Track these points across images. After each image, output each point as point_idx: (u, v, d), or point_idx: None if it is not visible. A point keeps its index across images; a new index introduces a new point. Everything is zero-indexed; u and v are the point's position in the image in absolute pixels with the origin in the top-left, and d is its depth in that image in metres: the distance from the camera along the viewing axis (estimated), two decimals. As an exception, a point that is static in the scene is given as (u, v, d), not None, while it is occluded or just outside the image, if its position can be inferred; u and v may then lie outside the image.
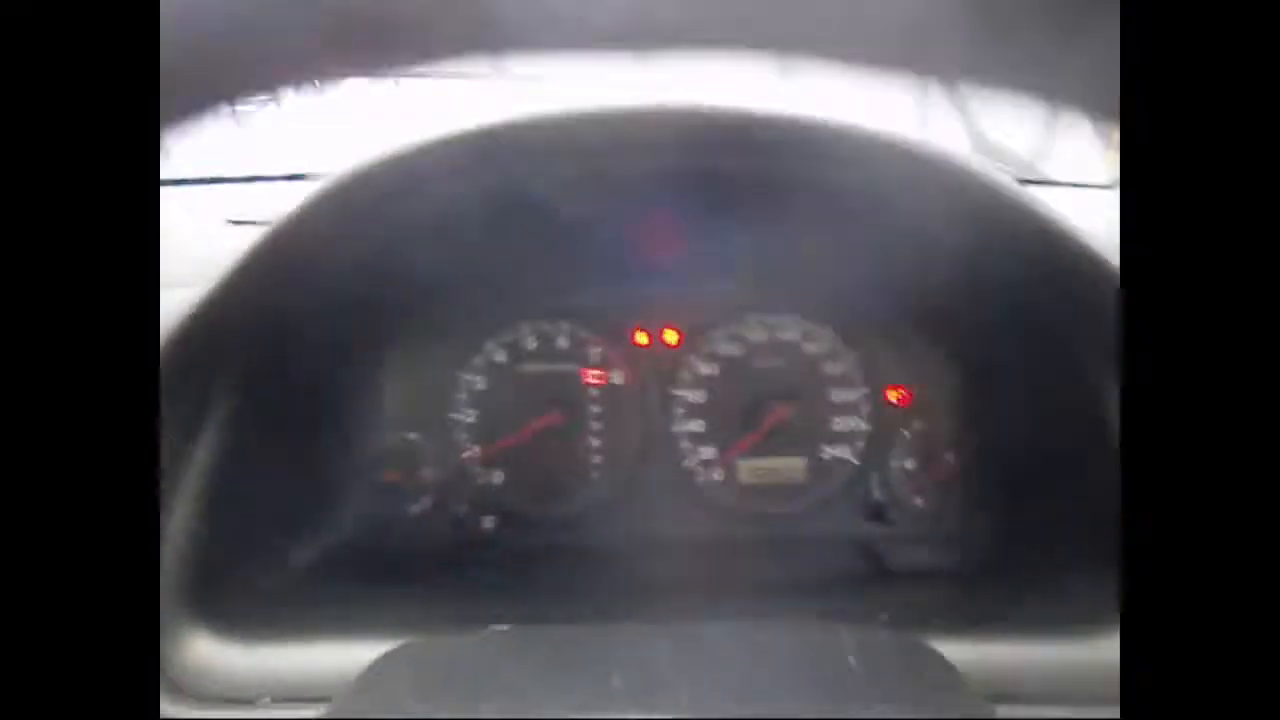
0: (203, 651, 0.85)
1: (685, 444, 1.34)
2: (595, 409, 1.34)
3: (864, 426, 1.32)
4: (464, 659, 0.72)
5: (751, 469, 1.33)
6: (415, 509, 1.33)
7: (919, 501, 1.31)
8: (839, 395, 1.32)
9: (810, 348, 1.33)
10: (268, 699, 0.85)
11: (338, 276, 0.94)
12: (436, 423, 1.33)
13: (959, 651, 0.76)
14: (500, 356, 1.34)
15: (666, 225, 1.20)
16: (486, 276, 1.24)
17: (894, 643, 0.76)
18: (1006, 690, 0.82)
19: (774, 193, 1.00)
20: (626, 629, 0.77)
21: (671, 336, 1.34)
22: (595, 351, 1.34)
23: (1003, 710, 0.76)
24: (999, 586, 1.07)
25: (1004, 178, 0.83)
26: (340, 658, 0.82)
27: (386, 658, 0.74)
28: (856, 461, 1.32)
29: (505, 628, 0.80)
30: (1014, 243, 0.85)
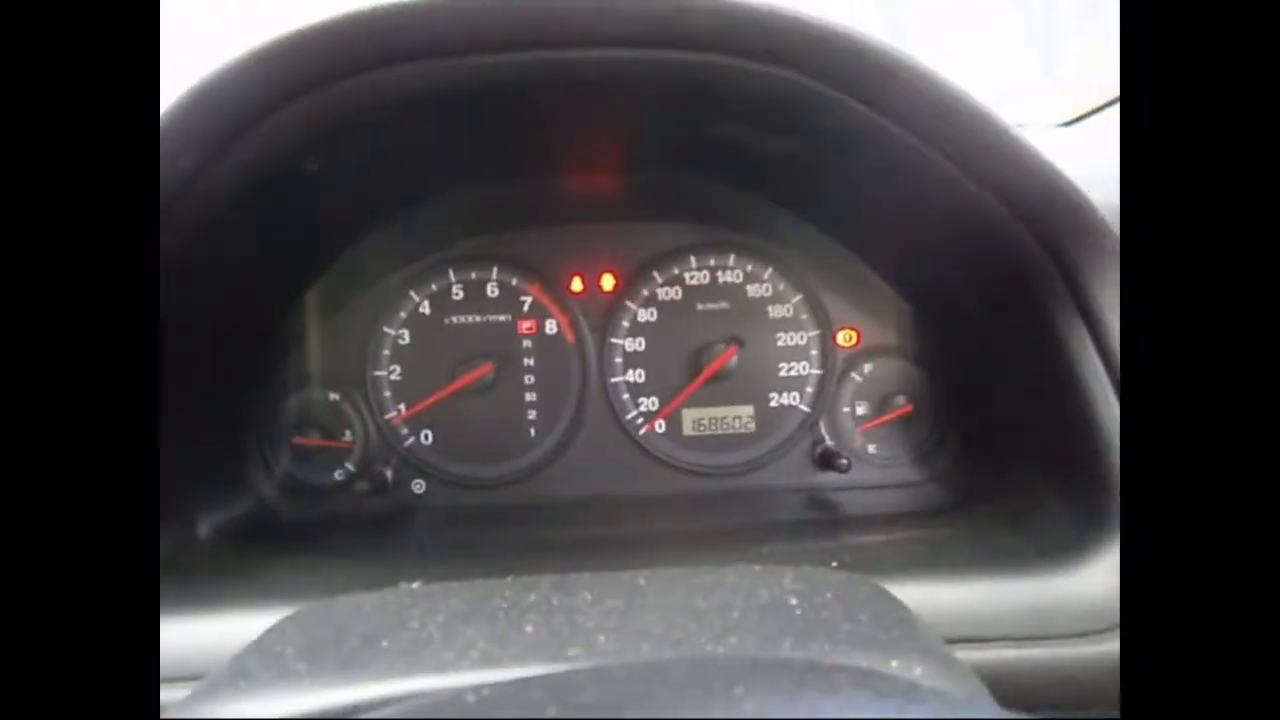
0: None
1: (625, 395, 1.26)
2: (529, 361, 1.26)
3: (813, 371, 1.25)
4: (363, 617, 0.64)
5: (696, 419, 1.26)
6: (337, 474, 1.24)
7: (872, 448, 1.25)
8: (786, 339, 1.25)
9: (754, 290, 1.25)
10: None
11: (218, 213, 0.84)
12: (357, 380, 1.24)
13: (912, 593, 0.70)
14: (425, 307, 1.25)
15: (599, 156, 1.12)
16: (404, 216, 1.14)
17: (839, 581, 0.69)
18: (963, 631, 0.77)
19: (712, 113, 0.92)
20: (548, 580, 0.69)
21: (608, 281, 1.26)
22: (527, 300, 1.25)
23: (960, 651, 0.70)
24: (955, 529, 1.02)
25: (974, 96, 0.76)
26: (239, 630, 0.73)
27: (282, 622, 0.66)
28: (806, 408, 1.26)
29: (416, 584, 0.72)
30: (980, 165, 0.79)
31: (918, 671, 0.53)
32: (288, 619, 0.66)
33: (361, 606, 0.66)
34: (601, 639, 0.55)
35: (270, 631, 0.64)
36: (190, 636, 0.79)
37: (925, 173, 0.81)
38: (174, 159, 0.73)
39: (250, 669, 0.57)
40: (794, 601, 0.62)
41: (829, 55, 0.69)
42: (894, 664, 0.53)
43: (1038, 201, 0.79)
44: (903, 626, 0.60)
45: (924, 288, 1.19)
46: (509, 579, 0.70)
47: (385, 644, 0.56)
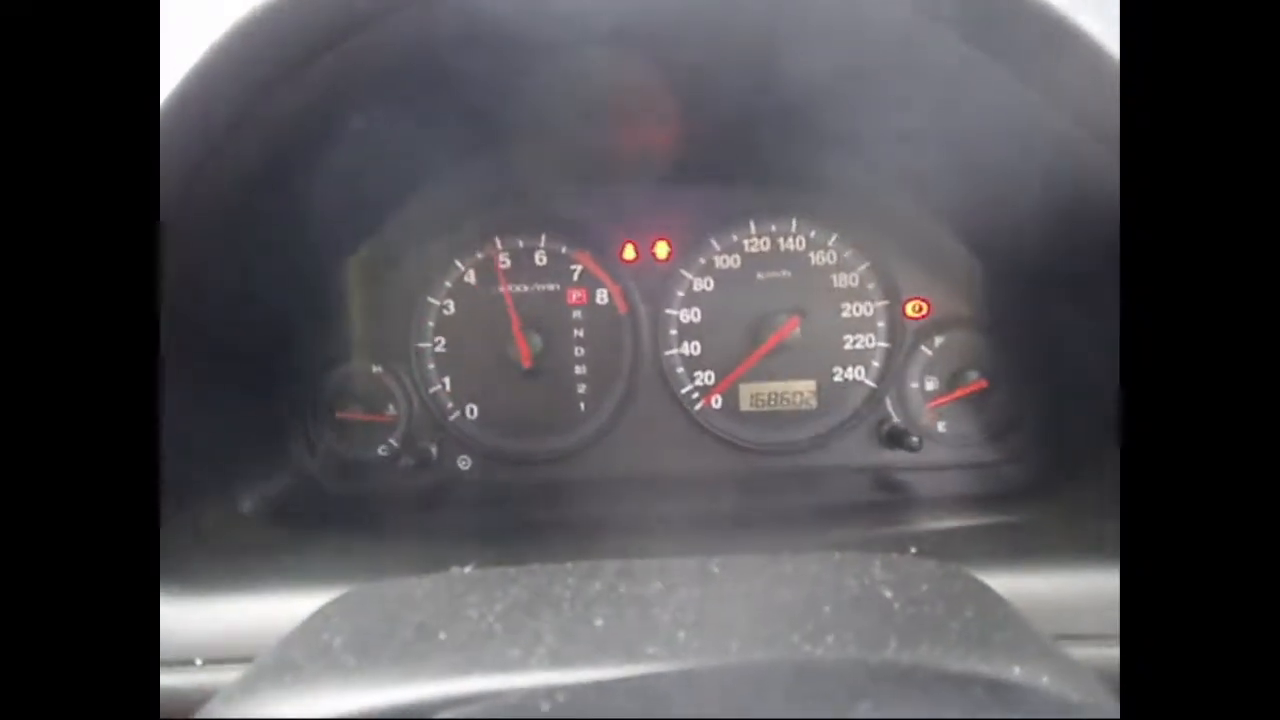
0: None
1: (680, 369, 1.20)
2: (579, 333, 1.20)
3: (880, 344, 1.18)
4: (416, 604, 0.59)
5: (754, 394, 1.19)
6: (381, 448, 1.19)
7: (941, 425, 1.18)
8: (851, 309, 1.18)
9: (817, 257, 1.18)
10: (198, 660, 0.74)
11: (258, 171, 0.79)
12: (401, 353, 1.19)
13: (1001, 583, 0.64)
14: (470, 277, 1.19)
15: (652, 116, 1.05)
16: (449, 179, 1.08)
17: (932, 571, 0.63)
18: (1059, 627, 0.70)
19: (771, 67, 0.85)
20: (613, 565, 0.63)
21: (662, 250, 1.19)
22: (577, 269, 1.19)
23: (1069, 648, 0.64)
24: (1037, 513, 0.95)
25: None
26: (287, 610, 0.71)
27: (328, 606, 0.61)
28: (872, 383, 1.18)
29: (469, 568, 0.67)
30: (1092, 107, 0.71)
31: (1044, 680, 0.46)
32: (334, 603, 0.61)
33: (412, 592, 0.61)
34: (682, 635, 0.49)
35: (316, 617, 0.59)
36: (234, 615, 0.76)
37: (1025, 122, 0.74)
38: (209, 110, 0.68)
39: (296, 660, 0.52)
40: (889, 594, 0.56)
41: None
42: (1017, 670, 0.46)
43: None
44: (1012, 625, 0.53)
45: (1004, 252, 1.11)
46: (569, 564, 0.65)
47: (442, 636, 0.51)
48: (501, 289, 1.19)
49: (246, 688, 0.50)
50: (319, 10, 0.61)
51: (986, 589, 0.60)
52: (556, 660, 0.47)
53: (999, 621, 0.53)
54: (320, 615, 0.59)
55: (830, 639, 0.48)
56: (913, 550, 0.81)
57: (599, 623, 0.51)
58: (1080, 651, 0.69)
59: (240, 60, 0.64)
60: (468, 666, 0.47)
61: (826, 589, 0.57)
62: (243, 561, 0.83)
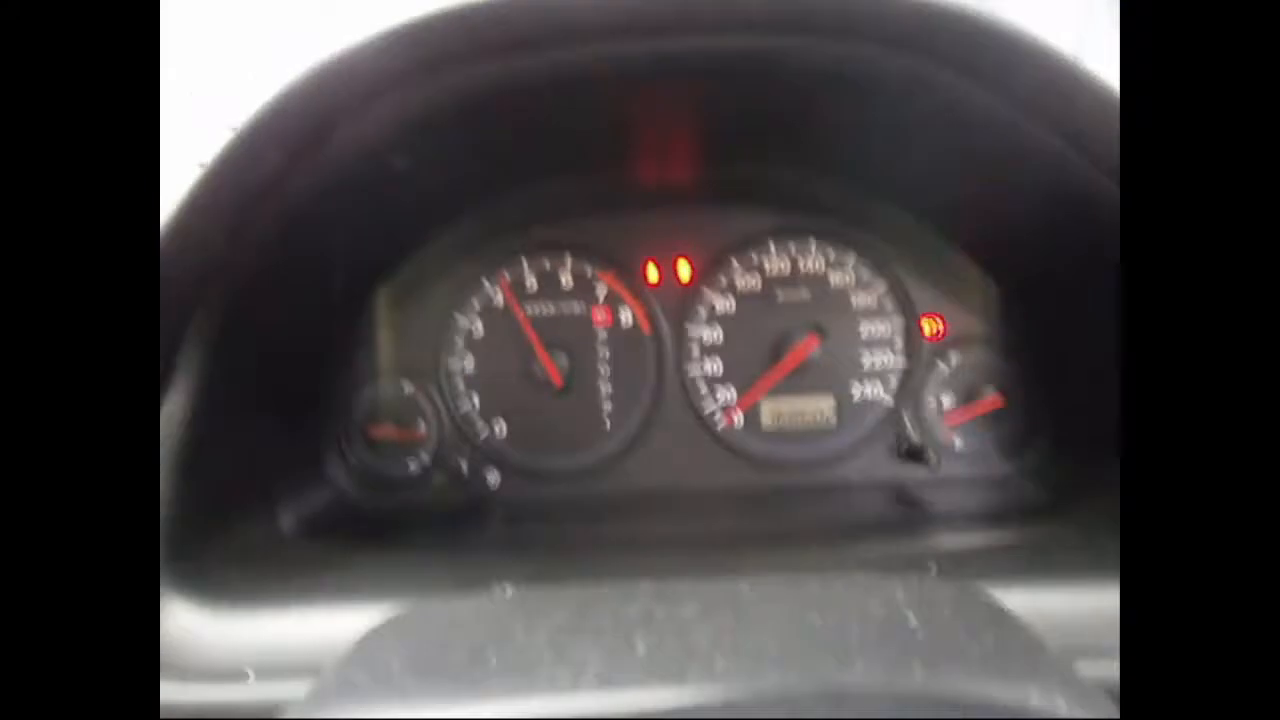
0: (182, 622, 0.76)
1: (703, 387, 1.23)
2: (604, 352, 1.23)
3: (897, 361, 1.21)
4: (464, 626, 0.62)
5: (775, 411, 1.22)
6: (412, 465, 1.23)
7: (958, 442, 1.20)
8: (869, 328, 1.21)
9: (836, 277, 1.21)
10: (250, 674, 0.77)
11: (305, 208, 0.83)
12: (431, 372, 1.23)
13: (1018, 601, 0.66)
14: (499, 298, 1.23)
15: (674, 141, 1.08)
16: (480, 206, 1.12)
17: (953, 595, 0.66)
18: (1077, 645, 0.72)
19: (792, 96, 0.88)
20: (647, 588, 0.66)
21: (684, 271, 1.23)
22: (602, 289, 1.23)
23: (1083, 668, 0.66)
24: (1054, 529, 0.97)
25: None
26: (332, 626, 0.74)
27: (380, 627, 0.64)
28: (890, 400, 1.21)
29: (510, 589, 0.70)
30: (1094, 145, 0.73)
31: (1059, 703, 0.49)
32: (386, 625, 0.65)
33: (459, 613, 0.65)
34: (720, 661, 0.52)
35: (370, 638, 0.62)
36: (278, 630, 0.79)
37: (1027, 146, 0.76)
38: (261, 154, 0.72)
39: (358, 682, 0.55)
40: (912, 619, 0.59)
41: (951, 38, 0.65)
42: (1034, 695, 0.49)
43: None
44: (1032, 649, 0.56)
45: (1015, 271, 1.14)
46: (605, 587, 0.68)
47: (494, 660, 0.54)
48: (528, 309, 1.22)
49: (313, 705, 0.53)
50: (379, 68, 0.65)
51: (1004, 612, 0.62)
52: (605, 683, 0.50)
53: (1017, 646, 0.56)
54: (376, 636, 0.62)
55: (859, 664, 0.51)
56: (932, 568, 0.83)
57: (640, 648, 0.55)
58: (1094, 668, 0.72)
59: (301, 108, 0.68)
60: (525, 689, 0.51)
61: (853, 613, 0.60)
62: (284, 578, 0.85)
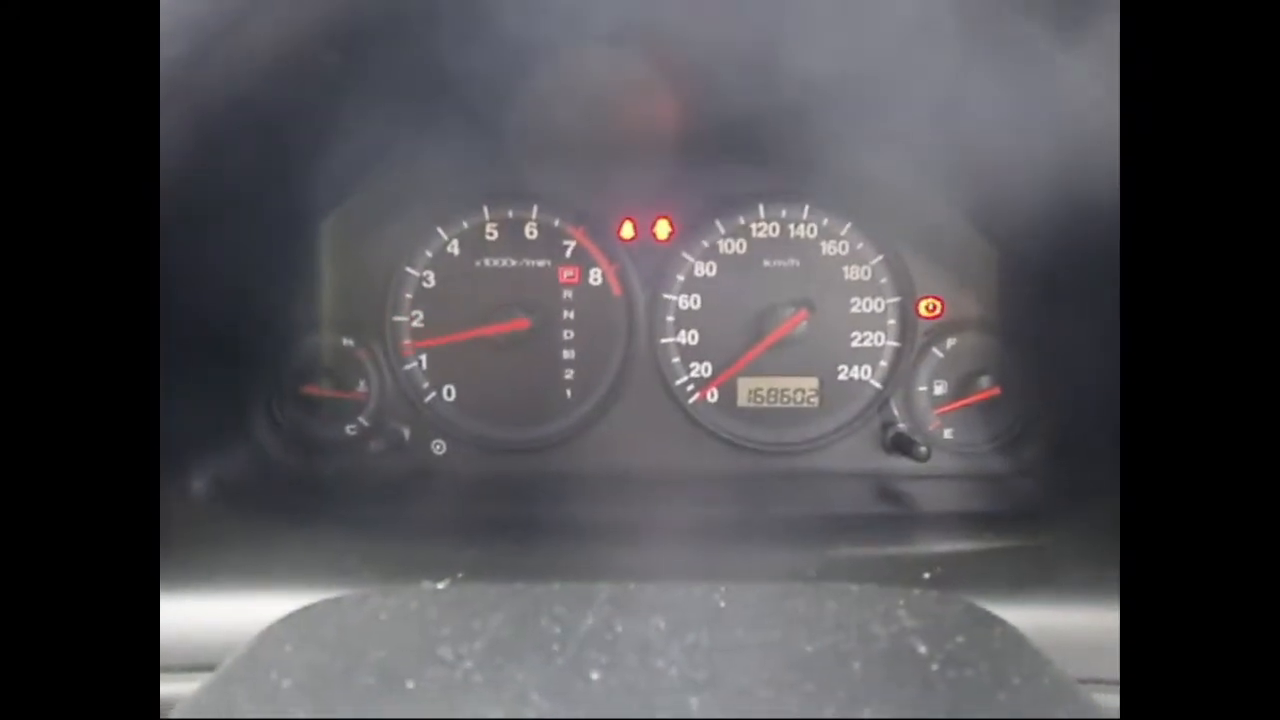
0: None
1: (675, 358, 1.12)
2: (569, 314, 1.11)
3: (889, 343, 1.11)
4: (381, 632, 0.51)
5: (753, 389, 1.12)
6: (349, 428, 1.11)
7: (948, 433, 1.11)
8: (861, 305, 1.11)
9: (829, 247, 1.10)
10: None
11: (229, 111, 0.70)
12: (374, 326, 1.10)
13: (1021, 619, 0.58)
14: (454, 247, 1.10)
15: (660, 88, 0.96)
16: (436, 142, 0.99)
17: (961, 617, 0.56)
18: (1088, 671, 0.64)
19: (784, 49, 0.77)
20: (604, 593, 0.56)
21: (663, 229, 1.11)
22: (570, 245, 1.11)
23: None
24: (1057, 535, 0.88)
25: None
26: (243, 615, 0.66)
27: (278, 628, 0.54)
28: (878, 384, 1.11)
29: (443, 584, 0.60)
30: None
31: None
32: (285, 624, 0.54)
33: (376, 614, 0.53)
34: (694, 701, 0.41)
35: (264, 643, 0.51)
36: (174, 620, 0.68)
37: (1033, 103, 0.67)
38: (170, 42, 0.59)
39: (235, 697, 0.44)
40: (922, 649, 0.49)
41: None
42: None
43: None
44: (1068, 695, 0.47)
45: (1021, 249, 1.04)
46: (555, 586, 0.57)
47: (410, 685, 0.43)
48: (487, 262, 1.10)
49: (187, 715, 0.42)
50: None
51: (1025, 643, 0.53)
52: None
53: (1052, 692, 0.46)
54: (269, 641, 0.51)
55: (868, 712, 0.41)
56: (926, 576, 0.74)
57: (595, 676, 0.44)
58: (1107, 699, 0.64)
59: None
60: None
61: (851, 638, 0.50)
62: (189, 553, 0.75)
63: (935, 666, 0.47)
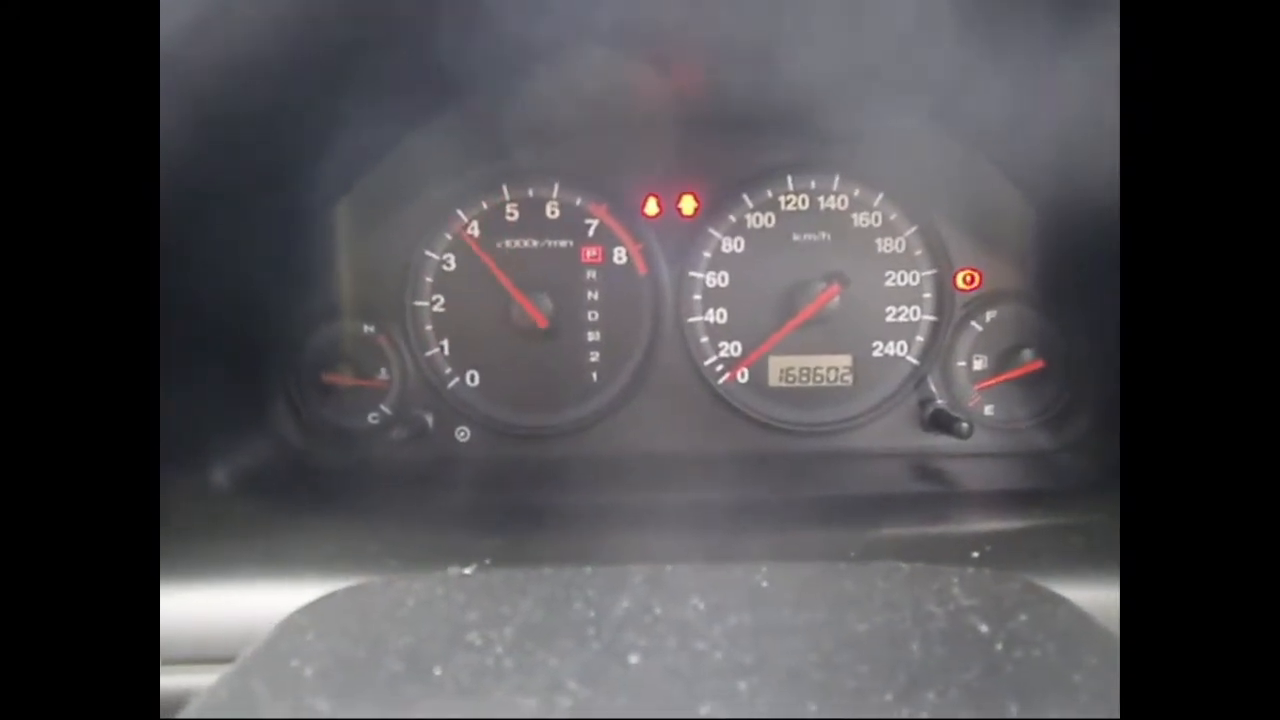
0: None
1: (704, 338, 1.09)
2: (592, 295, 1.08)
3: (925, 317, 1.07)
4: (406, 618, 0.49)
5: (784, 369, 1.08)
6: (371, 416, 1.08)
7: (989, 409, 1.07)
8: (895, 278, 1.06)
9: (860, 219, 1.06)
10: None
11: (237, 82, 0.67)
12: (395, 311, 1.08)
13: (1081, 598, 0.54)
14: (474, 229, 1.08)
15: (679, 59, 0.92)
16: (452, 119, 0.96)
17: (1021, 595, 0.53)
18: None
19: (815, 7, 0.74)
20: (640, 575, 0.53)
21: (689, 205, 1.07)
22: (593, 223, 1.08)
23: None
24: (1101, 514, 0.84)
25: None
26: (266, 606, 0.64)
27: (299, 616, 0.51)
28: (914, 360, 1.07)
29: (469, 569, 0.57)
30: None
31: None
32: (307, 613, 0.51)
33: (402, 600, 0.51)
34: (742, 686, 0.38)
35: (285, 632, 0.49)
36: (196, 611, 0.67)
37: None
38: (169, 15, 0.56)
39: (256, 694, 0.41)
40: (984, 629, 0.46)
41: None
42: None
43: None
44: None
45: (1063, 212, 1.00)
46: (588, 569, 0.54)
47: (438, 672, 0.41)
48: (508, 243, 1.07)
49: (203, 712, 0.40)
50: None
51: (1092, 622, 0.50)
52: (585, 712, 0.37)
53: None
54: (290, 630, 0.49)
55: (932, 697, 0.38)
56: (975, 555, 0.71)
57: (633, 660, 0.41)
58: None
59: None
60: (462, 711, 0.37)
61: (906, 618, 0.46)
62: (209, 544, 0.74)
63: (1000, 646, 0.43)
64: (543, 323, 1.06)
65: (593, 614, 0.47)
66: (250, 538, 0.77)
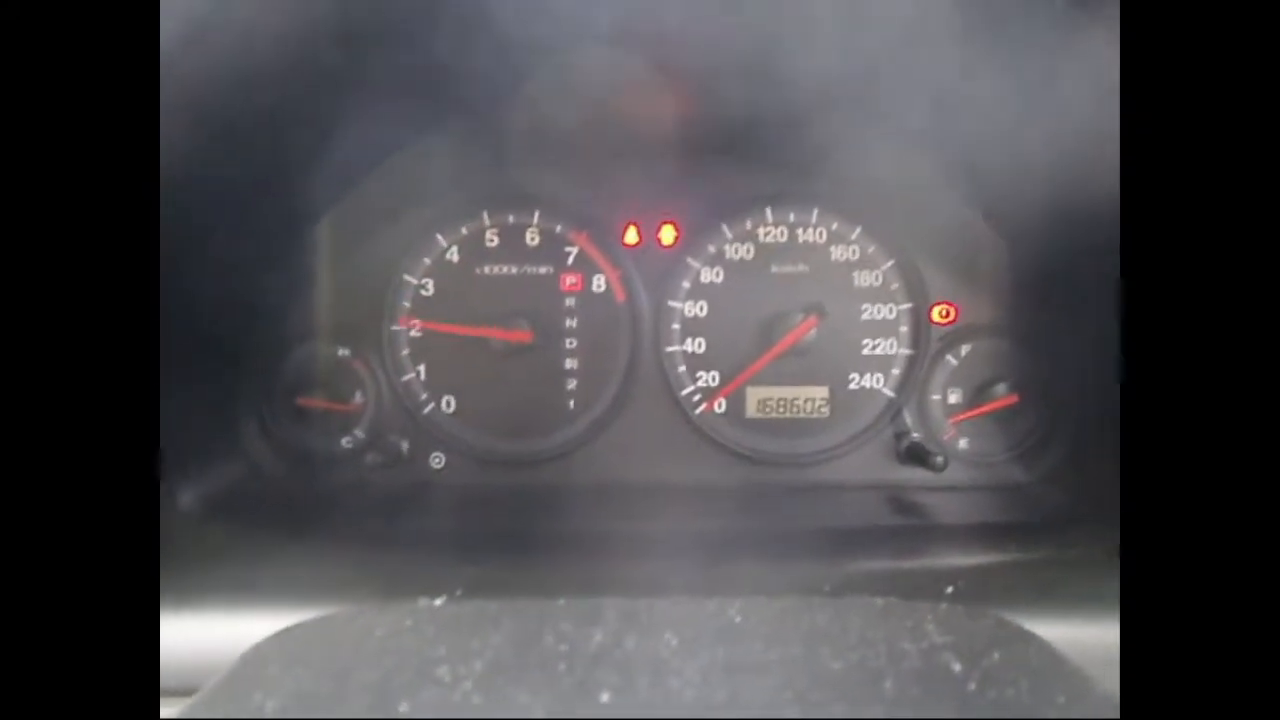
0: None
1: (681, 367, 1.09)
2: (571, 322, 1.08)
3: (901, 350, 1.08)
4: (374, 651, 0.48)
5: (762, 400, 1.09)
6: (344, 441, 1.07)
7: (964, 442, 1.08)
8: (872, 311, 1.07)
9: (839, 252, 1.07)
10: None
11: (223, 100, 0.67)
12: (371, 336, 1.07)
13: (1054, 634, 0.55)
14: (453, 254, 1.07)
15: (661, 88, 0.93)
16: (433, 144, 0.96)
17: (994, 632, 0.53)
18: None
19: (790, 44, 0.75)
20: (614, 609, 0.52)
21: (668, 234, 1.08)
22: (573, 251, 1.08)
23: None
24: (1087, 547, 0.85)
25: None
26: (234, 634, 0.61)
27: (265, 646, 0.50)
28: (890, 393, 1.08)
29: (440, 600, 0.56)
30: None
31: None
32: (272, 643, 0.50)
33: (370, 631, 0.50)
34: (715, 723, 0.38)
35: (248, 663, 0.48)
36: (166, 636, 0.65)
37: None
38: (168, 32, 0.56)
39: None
40: (957, 667, 0.46)
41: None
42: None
43: None
44: (1106, 711, 0.44)
45: (1038, 248, 1.01)
46: (560, 602, 0.54)
47: (404, 708, 0.40)
48: (487, 269, 1.07)
49: None
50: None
51: (1064, 661, 0.50)
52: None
53: (1098, 712, 0.43)
54: (254, 661, 0.48)
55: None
56: (948, 590, 0.71)
57: (604, 698, 0.40)
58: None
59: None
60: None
61: (880, 655, 0.46)
62: (179, 569, 0.72)
63: (972, 685, 0.43)
64: (520, 346, 1.05)
65: (564, 648, 0.46)
66: (218, 564, 0.75)
